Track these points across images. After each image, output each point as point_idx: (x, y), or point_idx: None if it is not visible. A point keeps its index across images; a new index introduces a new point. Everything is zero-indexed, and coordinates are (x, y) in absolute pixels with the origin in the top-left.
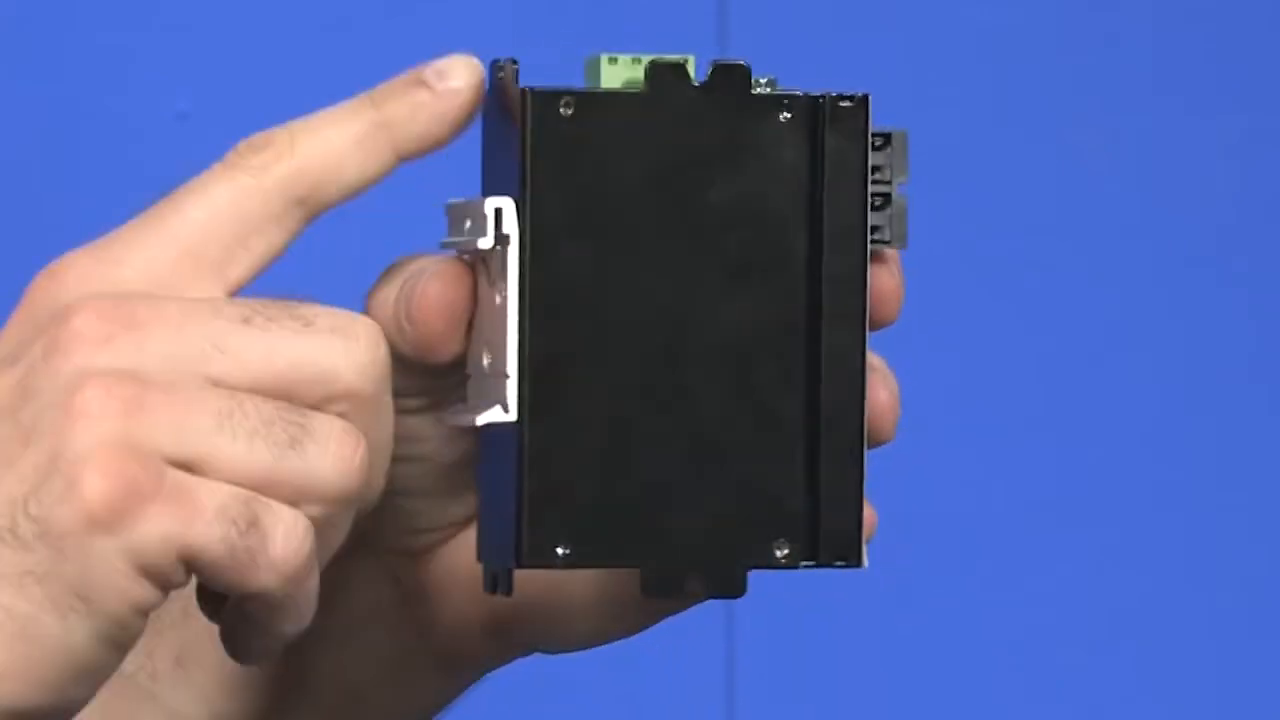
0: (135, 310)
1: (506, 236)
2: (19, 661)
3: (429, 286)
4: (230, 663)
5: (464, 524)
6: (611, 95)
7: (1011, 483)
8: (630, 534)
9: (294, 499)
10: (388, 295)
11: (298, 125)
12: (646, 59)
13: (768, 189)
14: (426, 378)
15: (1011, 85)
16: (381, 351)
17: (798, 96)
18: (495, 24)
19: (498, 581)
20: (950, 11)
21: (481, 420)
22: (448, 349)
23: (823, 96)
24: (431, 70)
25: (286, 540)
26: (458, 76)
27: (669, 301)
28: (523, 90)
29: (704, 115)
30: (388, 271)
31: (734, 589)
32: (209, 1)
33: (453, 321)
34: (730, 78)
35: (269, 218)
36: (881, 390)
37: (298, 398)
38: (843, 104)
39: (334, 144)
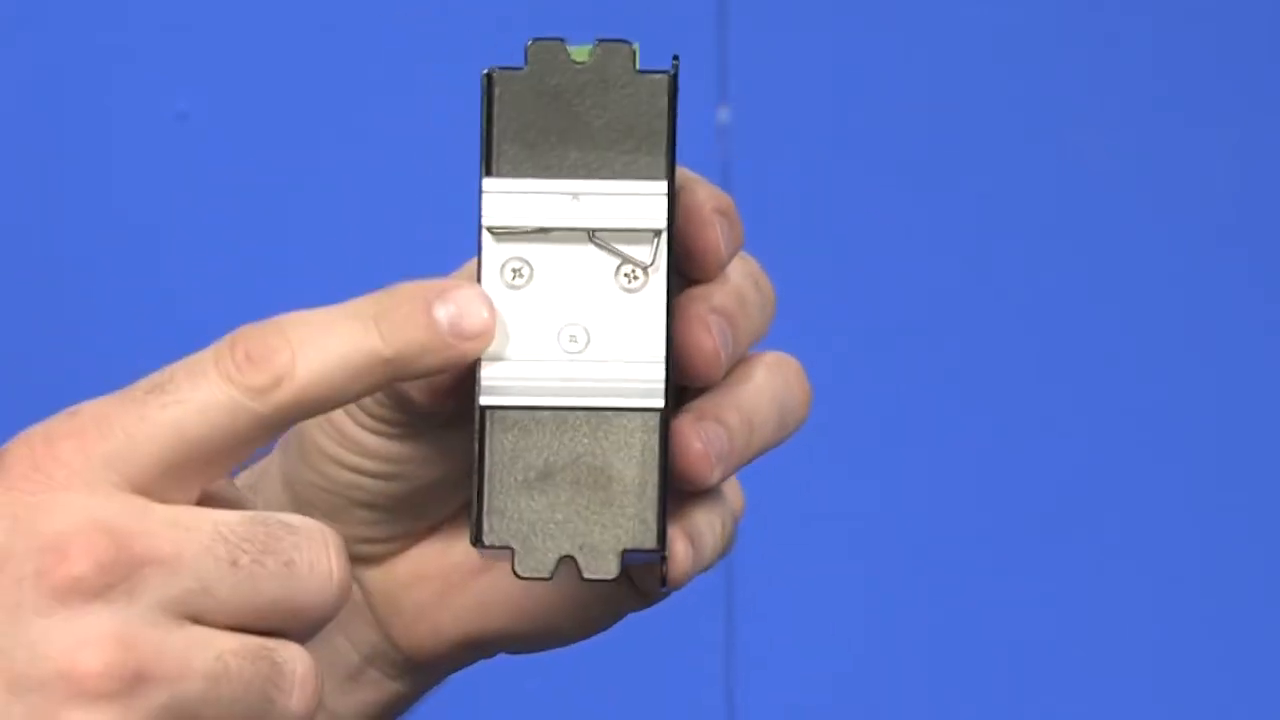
0: (132, 551)
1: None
2: None
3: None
4: None
5: (427, 533)
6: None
7: (1012, 484)
8: None
9: None
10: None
11: (300, 343)
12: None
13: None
14: (411, 400)
15: (1011, 85)
16: (348, 574)
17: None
18: (493, 23)
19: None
20: (950, 11)
21: (640, 405)
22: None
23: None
24: (446, 316)
25: None
26: (472, 319)
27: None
28: (673, 77)
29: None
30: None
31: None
32: (209, 1)
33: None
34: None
35: (262, 436)
36: (694, 441)
37: (269, 632)
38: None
39: (334, 377)
